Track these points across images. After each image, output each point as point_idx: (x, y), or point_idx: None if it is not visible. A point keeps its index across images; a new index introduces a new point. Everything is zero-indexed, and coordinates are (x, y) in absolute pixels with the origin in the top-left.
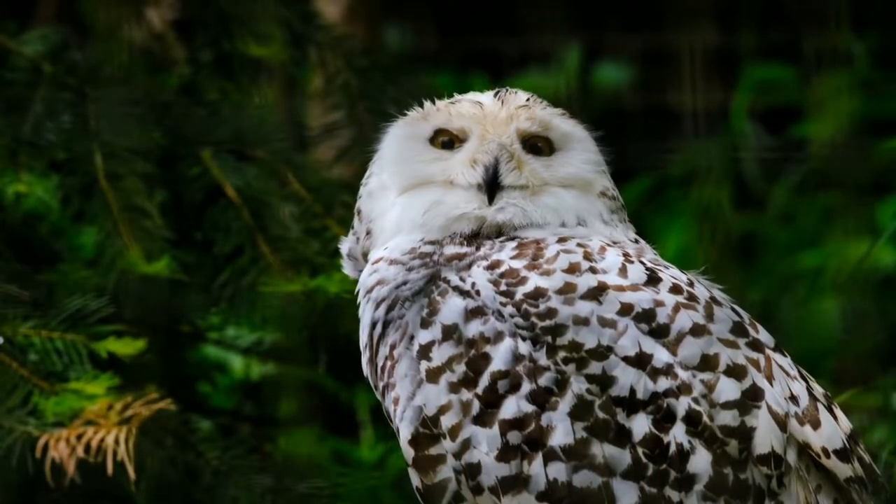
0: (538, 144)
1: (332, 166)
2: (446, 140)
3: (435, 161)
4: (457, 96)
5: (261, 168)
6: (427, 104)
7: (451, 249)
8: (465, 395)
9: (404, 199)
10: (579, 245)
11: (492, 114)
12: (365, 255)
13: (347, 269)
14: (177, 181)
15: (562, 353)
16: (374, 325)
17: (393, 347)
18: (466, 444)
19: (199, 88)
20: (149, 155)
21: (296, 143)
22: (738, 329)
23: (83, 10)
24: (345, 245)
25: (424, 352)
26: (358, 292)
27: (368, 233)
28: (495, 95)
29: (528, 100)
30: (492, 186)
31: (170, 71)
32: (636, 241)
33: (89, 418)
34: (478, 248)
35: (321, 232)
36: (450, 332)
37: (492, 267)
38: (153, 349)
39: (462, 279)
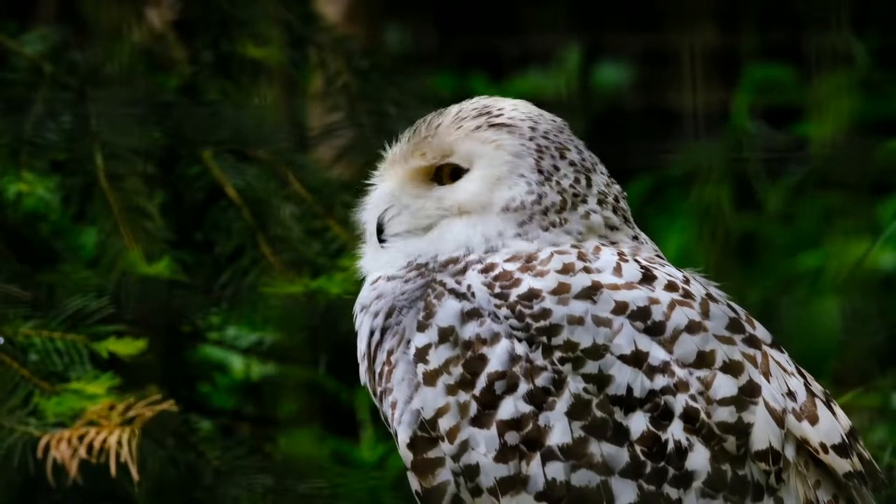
0: (441, 173)
1: (333, 167)
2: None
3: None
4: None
5: (261, 168)
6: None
7: (444, 257)
8: (463, 396)
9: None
10: (573, 245)
11: (393, 155)
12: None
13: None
14: (177, 181)
15: (558, 353)
16: (371, 334)
17: (390, 353)
18: (465, 446)
19: (199, 89)
20: (149, 155)
21: (296, 143)
22: (735, 325)
23: (83, 10)
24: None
25: (421, 355)
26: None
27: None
28: (413, 127)
29: (437, 126)
30: (380, 236)
31: (170, 71)
32: (635, 238)
33: (91, 419)
34: (469, 252)
35: (322, 232)
36: (446, 335)
37: (486, 270)
38: (153, 349)
39: (458, 282)
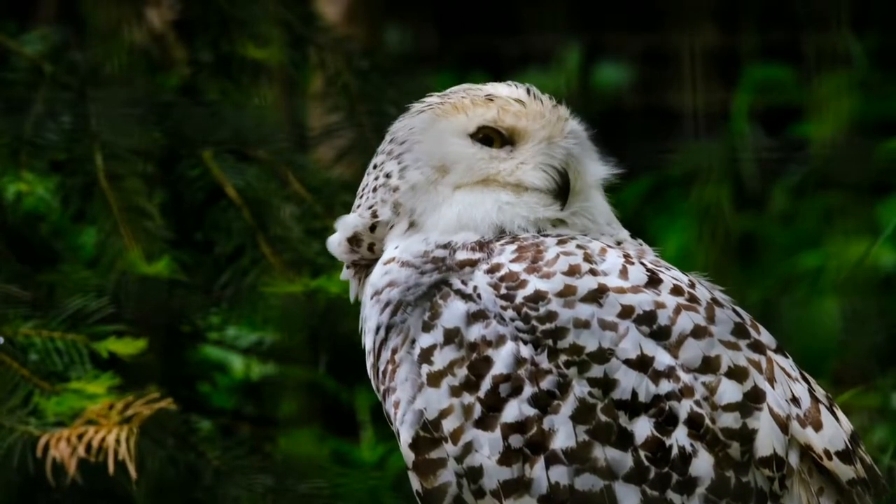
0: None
1: (333, 167)
2: (484, 136)
3: (492, 160)
4: (484, 88)
5: (261, 168)
6: (456, 95)
7: (462, 255)
8: (467, 398)
9: (465, 197)
10: (579, 247)
11: (541, 114)
12: (371, 246)
13: (340, 251)
14: (177, 181)
15: (563, 357)
16: (377, 330)
17: (394, 352)
18: (468, 448)
19: (199, 89)
20: (149, 155)
21: (296, 143)
22: (740, 330)
23: (83, 10)
24: (349, 225)
25: (426, 355)
26: (352, 289)
27: (412, 225)
28: (528, 93)
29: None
30: (565, 192)
31: (170, 71)
32: (640, 244)
33: (90, 418)
34: (489, 256)
35: (322, 232)
36: (452, 336)
37: (492, 270)
38: (153, 349)
39: (464, 283)
